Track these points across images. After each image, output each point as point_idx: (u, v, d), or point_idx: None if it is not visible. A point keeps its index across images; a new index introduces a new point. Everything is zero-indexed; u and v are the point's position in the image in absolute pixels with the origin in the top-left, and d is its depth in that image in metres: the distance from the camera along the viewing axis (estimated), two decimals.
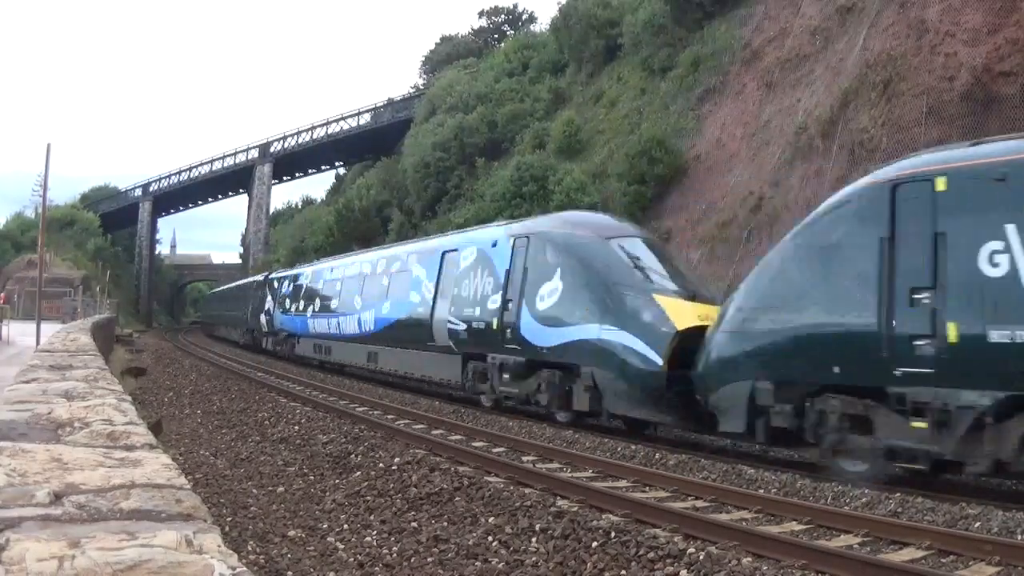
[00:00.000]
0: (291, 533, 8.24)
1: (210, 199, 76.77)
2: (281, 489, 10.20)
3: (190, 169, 69.55)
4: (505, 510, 8.22)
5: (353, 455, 11.58)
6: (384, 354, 20.37)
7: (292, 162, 65.99)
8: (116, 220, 71.53)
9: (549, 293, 13.95)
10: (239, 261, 79.98)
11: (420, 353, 18.19)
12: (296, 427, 14.37)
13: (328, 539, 8.01)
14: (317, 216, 58.00)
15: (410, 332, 18.43)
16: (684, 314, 11.92)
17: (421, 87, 57.98)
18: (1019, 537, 7.05)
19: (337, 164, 69.86)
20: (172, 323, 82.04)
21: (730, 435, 11.27)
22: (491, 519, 8.07)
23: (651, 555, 6.71)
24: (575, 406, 13.45)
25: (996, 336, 7.64)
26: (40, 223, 25.44)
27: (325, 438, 12.98)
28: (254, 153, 64.87)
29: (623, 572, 6.55)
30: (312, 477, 10.88)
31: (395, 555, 7.37)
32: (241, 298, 40.97)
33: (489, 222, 26.21)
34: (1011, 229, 7.68)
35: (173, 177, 70.64)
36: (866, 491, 8.74)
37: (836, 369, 9.10)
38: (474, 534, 7.71)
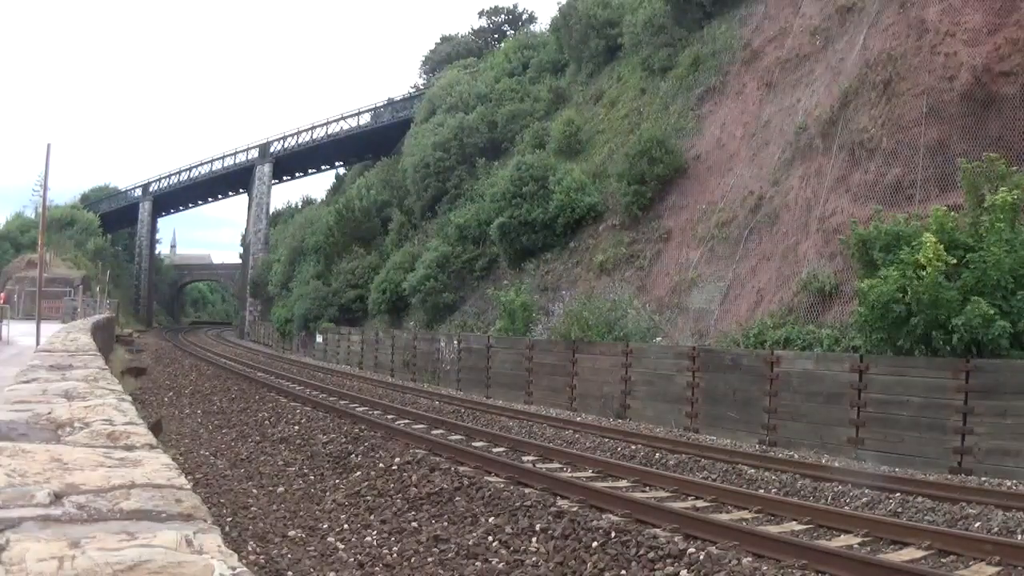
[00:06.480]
0: (291, 533, 8.24)
1: (210, 199, 76.90)
2: (281, 489, 10.20)
3: (190, 169, 69.65)
4: (505, 510, 8.22)
5: (353, 455, 11.58)
6: None
7: (292, 162, 66.02)
8: (116, 220, 71.64)
9: None
10: (239, 261, 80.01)
11: None
12: (296, 427, 14.37)
13: (328, 539, 8.01)
14: (317, 216, 57.84)
15: None
16: None
17: (421, 87, 57.93)
18: (1019, 537, 7.06)
19: (337, 164, 69.80)
20: (172, 323, 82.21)
21: None
22: (491, 519, 8.06)
23: (651, 555, 6.71)
24: None
25: None
26: (40, 223, 25.40)
27: (325, 438, 12.98)
28: (254, 153, 64.90)
29: (623, 572, 6.55)
30: (312, 477, 10.88)
31: (395, 555, 7.37)
32: None
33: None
34: None
35: (173, 177, 70.76)
36: (866, 491, 8.75)
37: None
38: (474, 534, 7.71)
